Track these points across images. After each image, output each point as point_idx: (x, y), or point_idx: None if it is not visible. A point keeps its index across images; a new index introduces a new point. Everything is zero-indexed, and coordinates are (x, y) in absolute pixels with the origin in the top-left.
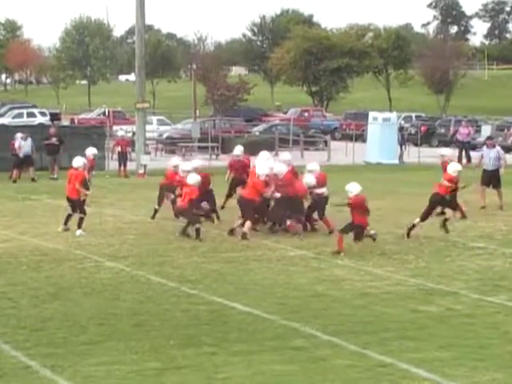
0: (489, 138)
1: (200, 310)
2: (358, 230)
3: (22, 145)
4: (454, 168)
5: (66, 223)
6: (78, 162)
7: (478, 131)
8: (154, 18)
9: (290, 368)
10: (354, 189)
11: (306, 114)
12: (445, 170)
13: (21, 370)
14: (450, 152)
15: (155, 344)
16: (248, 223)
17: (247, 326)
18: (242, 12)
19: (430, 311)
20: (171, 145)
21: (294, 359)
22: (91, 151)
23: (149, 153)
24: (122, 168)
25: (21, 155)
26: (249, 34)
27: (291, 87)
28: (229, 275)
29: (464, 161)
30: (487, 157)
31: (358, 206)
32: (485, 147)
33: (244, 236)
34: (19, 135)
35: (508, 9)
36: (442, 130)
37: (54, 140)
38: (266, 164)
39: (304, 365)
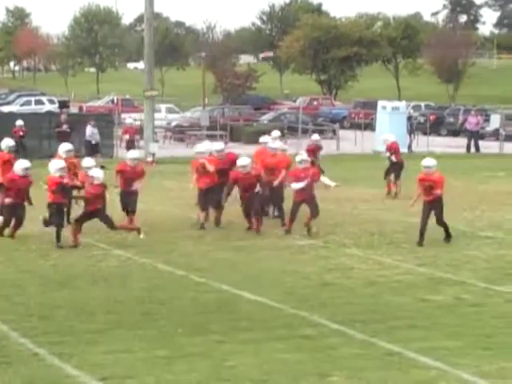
0: None
1: (208, 298)
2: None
3: (95, 132)
4: None
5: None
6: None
7: (487, 120)
8: (162, 5)
9: (298, 356)
10: (96, 174)
11: (315, 103)
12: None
13: (28, 357)
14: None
15: (163, 332)
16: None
17: (255, 314)
18: (252, 0)
19: (438, 300)
20: (180, 133)
21: (302, 348)
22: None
23: (157, 141)
24: None
25: (93, 142)
26: (258, 22)
27: (300, 75)
28: (237, 264)
29: (473, 150)
30: None
31: (96, 195)
32: None
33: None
34: (91, 123)
35: None
36: (451, 119)
37: (65, 127)
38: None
39: (312, 353)
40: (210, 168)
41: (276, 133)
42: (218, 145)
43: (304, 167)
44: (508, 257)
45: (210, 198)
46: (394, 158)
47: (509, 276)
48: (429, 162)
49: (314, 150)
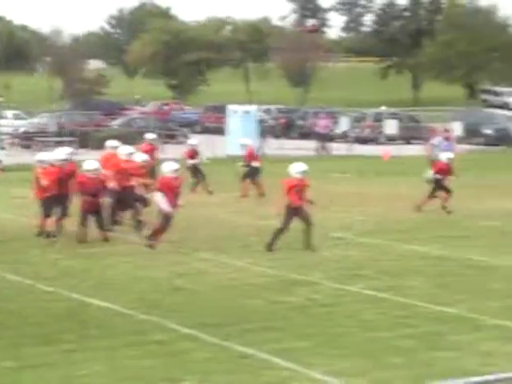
0: None
1: (57, 307)
2: None
3: None
4: None
5: None
6: None
7: (336, 123)
8: (4, 8)
9: (150, 362)
10: None
11: (166, 108)
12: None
13: None
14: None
15: (11, 342)
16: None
17: (106, 321)
18: (100, 5)
19: (290, 302)
20: (27, 139)
21: (154, 353)
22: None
23: (4, 148)
24: None
25: None
26: (107, 26)
27: (150, 80)
28: (87, 271)
29: (322, 152)
30: None
31: None
32: None
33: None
34: None
35: (363, 2)
36: (301, 122)
37: None
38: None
39: (164, 358)
40: (43, 182)
41: (151, 135)
42: (60, 154)
43: (177, 176)
44: (357, 257)
45: (52, 206)
46: (256, 164)
47: (358, 276)
48: (304, 166)
49: (192, 155)
